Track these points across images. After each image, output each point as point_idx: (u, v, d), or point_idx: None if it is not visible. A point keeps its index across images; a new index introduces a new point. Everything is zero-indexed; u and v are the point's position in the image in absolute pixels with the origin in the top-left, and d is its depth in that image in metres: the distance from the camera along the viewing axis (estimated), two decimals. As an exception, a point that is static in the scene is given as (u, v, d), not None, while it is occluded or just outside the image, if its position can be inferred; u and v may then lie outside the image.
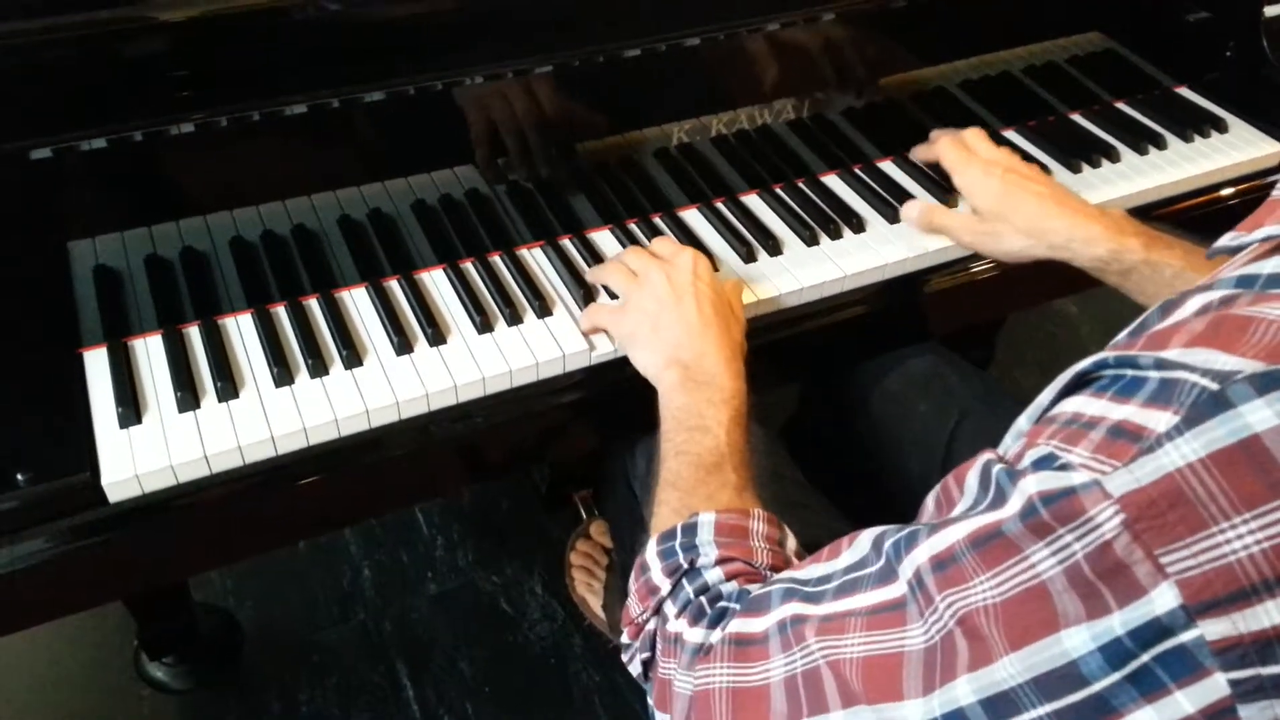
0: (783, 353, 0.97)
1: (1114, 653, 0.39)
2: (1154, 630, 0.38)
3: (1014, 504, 0.42)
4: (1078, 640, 0.40)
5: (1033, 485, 0.42)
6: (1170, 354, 0.41)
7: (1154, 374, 0.41)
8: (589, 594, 1.42)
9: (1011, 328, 1.83)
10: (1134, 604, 0.38)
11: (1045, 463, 0.43)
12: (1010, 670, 0.41)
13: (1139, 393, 0.42)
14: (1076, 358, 0.51)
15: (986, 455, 0.48)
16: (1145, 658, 0.38)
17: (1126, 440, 0.40)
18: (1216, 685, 0.38)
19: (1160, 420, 0.39)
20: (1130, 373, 0.43)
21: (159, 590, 1.26)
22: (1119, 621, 0.39)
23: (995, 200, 0.90)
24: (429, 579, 1.51)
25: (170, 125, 0.79)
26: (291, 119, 0.83)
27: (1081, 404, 0.44)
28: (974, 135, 0.99)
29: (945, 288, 1.01)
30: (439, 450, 0.87)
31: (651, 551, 0.66)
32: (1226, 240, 0.52)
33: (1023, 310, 1.91)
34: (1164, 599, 0.38)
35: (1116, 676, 0.39)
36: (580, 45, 0.91)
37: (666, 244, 0.90)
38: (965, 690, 0.43)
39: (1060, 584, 0.40)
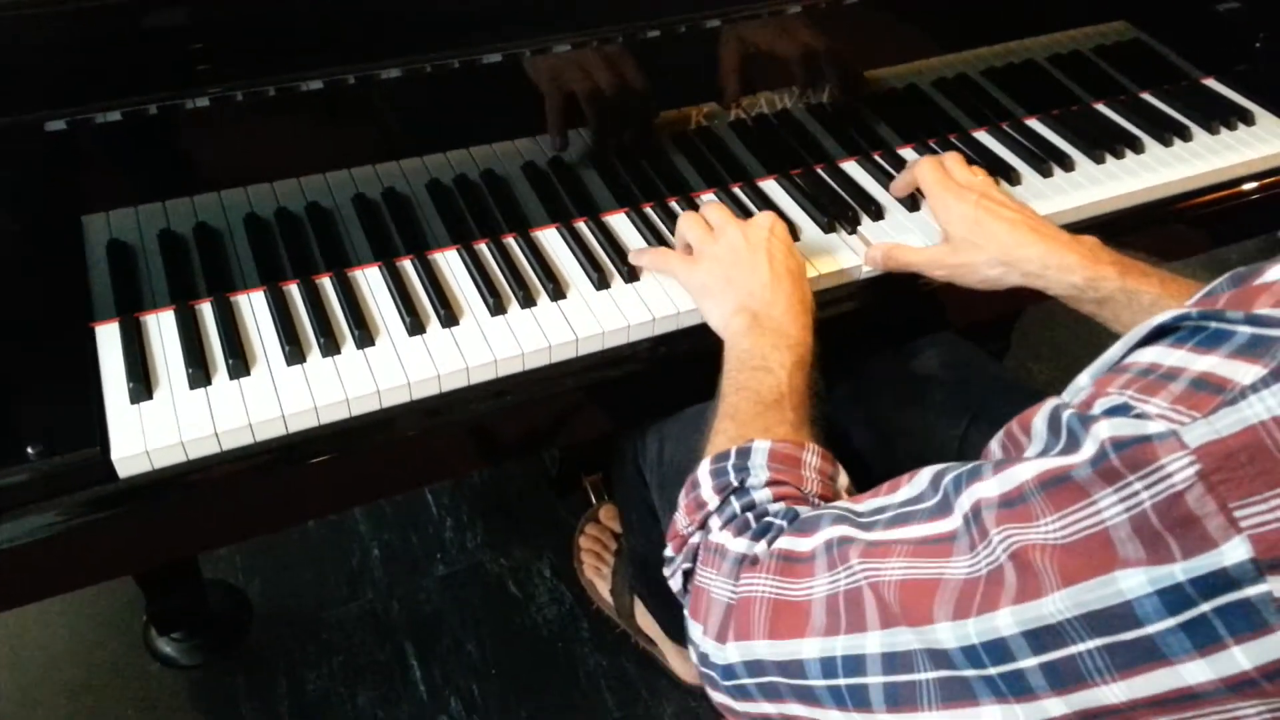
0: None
1: (1172, 598, 0.39)
2: (1219, 581, 0.38)
3: (1087, 449, 0.42)
4: (1134, 582, 0.39)
5: (1106, 430, 0.41)
6: (1263, 311, 0.41)
7: (1244, 328, 0.41)
8: (597, 578, 1.42)
9: (1027, 320, 1.82)
10: (1201, 555, 0.38)
11: (1120, 410, 0.42)
12: (1059, 605, 0.41)
13: (1224, 344, 0.41)
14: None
15: (1053, 401, 0.48)
16: (1205, 607, 0.38)
17: (1208, 392, 0.40)
18: (1279, 644, 0.37)
19: (1247, 373, 0.39)
20: (1214, 324, 0.42)
21: (169, 566, 1.26)
22: (1181, 569, 0.38)
23: (968, 227, 0.87)
24: (438, 560, 1.51)
25: (186, 99, 0.78)
26: (307, 95, 0.83)
27: (1159, 354, 0.44)
28: (952, 159, 0.96)
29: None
30: (449, 432, 0.87)
31: (704, 469, 0.67)
32: None
33: (1039, 303, 1.89)
34: (1235, 552, 0.37)
35: (1171, 622, 0.39)
36: (599, 25, 0.90)
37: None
38: (1007, 621, 0.43)
39: (1124, 532, 0.40)
